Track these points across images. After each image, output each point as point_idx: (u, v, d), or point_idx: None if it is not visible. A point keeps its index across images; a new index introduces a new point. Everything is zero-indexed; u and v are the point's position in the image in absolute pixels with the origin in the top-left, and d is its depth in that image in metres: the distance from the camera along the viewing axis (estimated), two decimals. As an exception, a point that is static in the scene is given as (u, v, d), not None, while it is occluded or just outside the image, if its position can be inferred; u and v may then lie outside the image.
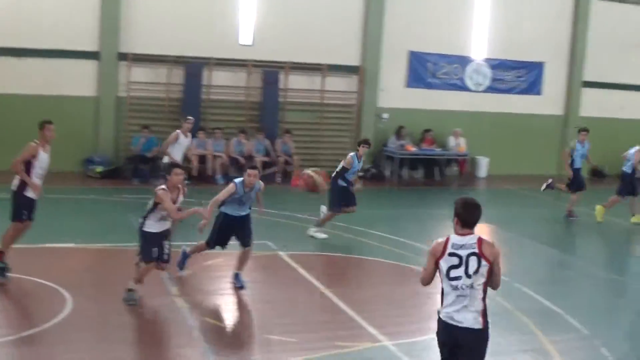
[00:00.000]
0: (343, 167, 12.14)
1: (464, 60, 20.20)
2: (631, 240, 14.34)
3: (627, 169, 14.99)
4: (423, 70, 19.84)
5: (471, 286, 5.41)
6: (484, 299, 5.43)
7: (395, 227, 13.41)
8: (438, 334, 5.58)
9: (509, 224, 14.31)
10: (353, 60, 19.02)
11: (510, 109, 20.91)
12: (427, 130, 19.61)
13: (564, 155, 15.68)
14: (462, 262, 5.41)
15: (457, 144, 19.70)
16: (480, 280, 5.41)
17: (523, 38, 20.66)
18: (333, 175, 12.26)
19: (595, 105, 21.73)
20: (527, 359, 7.74)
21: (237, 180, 9.26)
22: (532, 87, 21.23)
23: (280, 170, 17.67)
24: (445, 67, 20.05)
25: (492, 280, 5.48)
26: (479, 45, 20.33)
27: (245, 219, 9.39)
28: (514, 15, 20.50)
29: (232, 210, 9.29)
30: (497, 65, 20.63)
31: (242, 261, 9.43)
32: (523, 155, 21.17)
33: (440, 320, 5.51)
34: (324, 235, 12.20)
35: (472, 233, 5.47)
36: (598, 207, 15.09)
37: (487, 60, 20.49)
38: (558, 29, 21.20)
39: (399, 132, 19.19)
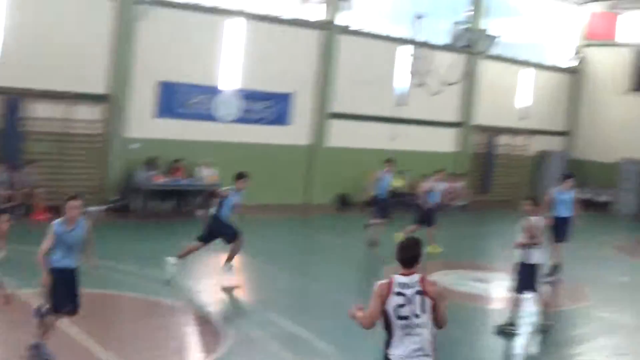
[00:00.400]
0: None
1: (213, 91, 21.18)
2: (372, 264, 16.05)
3: (432, 199, 16.59)
4: (173, 100, 20.54)
5: (420, 325, 5.85)
6: (432, 338, 5.88)
7: (140, 260, 13.86)
8: None
9: (260, 253, 15.40)
10: (100, 88, 19.29)
11: (259, 139, 22.16)
12: (176, 161, 20.31)
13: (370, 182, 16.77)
14: (409, 300, 5.86)
15: (208, 174, 20.55)
16: (427, 318, 5.86)
17: (273, 70, 22.12)
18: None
19: (340, 135, 23.74)
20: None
21: (56, 220, 8.42)
22: (281, 117, 22.66)
23: (21, 203, 17.44)
24: (196, 97, 20.91)
25: (437, 318, 5.91)
26: (230, 76, 21.48)
27: (76, 272, 8.50)
28: (265, 47, 21.89)
29: (60, 261, 8.33)
30: (247, 95, 21.82)
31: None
32: (273, 184, 22.41)
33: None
34: (172, 271, 12.51)
35: (414, 272, 5.94)
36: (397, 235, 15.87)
37: (238, 91, 21.65)
38: (307, 62, 22.97)
39: (150, 163, 19.67)
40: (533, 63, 29.06)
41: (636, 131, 28.49)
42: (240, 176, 13.03)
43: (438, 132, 26.29)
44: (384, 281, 5.91)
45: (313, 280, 14.15)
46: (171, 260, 12.63)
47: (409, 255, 5.96)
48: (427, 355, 5.86)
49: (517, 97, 28.82)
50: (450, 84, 24.84)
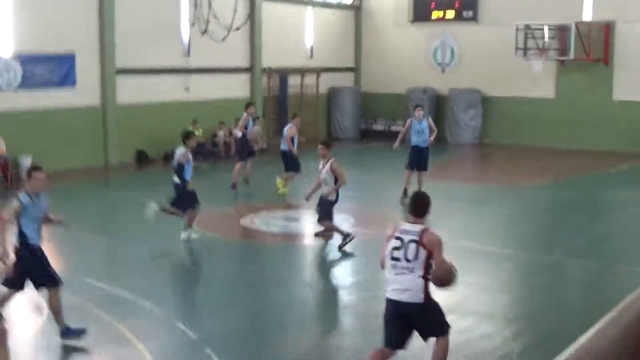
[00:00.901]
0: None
1: (-10, 56, 19.84)
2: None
3: (284, 147, 17.31)
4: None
5: (408, 268, 6.58)
6: (424, 278, 6.55)
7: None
8: (385, 310, 6.70)
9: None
10: None
11: (46, 104, 21.11)
12: (-44, 135, 18.90)
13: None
14: (403, 245, 6.64)
15: (-5, 146, 19.36)
16: (418, 265, 6.53)
17: (51, 30, 21.00)
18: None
19: (130, 91, 23.06)
20: (109, 349, 8.39)
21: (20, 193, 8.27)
22: (66, 79, 21.60)
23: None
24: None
25: (433, 269, 6.53)
26: (6, 42, 20.13)
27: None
28: (39, 6, 20.69)
29: (35, 239, 8.29)
30: (27, 60, 20.59)
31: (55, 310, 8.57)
32: (69, 149, 21.55)
33: (386, 297, 6.67)
34: (196, 235, 13.15)
35: (421, 223, 6.72)
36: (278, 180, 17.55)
37: (17, 56, 20.38)
38: (85, 17, 21.95)
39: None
40: (316, 2, 29.60)
41: (419, 61, 29.98)
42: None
43: (229, 79, 26.25)
44: (394, 226, 6.84)
45: (123, 241, 13.83)
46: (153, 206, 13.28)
47: (417, 207, 6.82)
48: (410, 295, 6.58)
49: (304, 37, 29.31)
50: (235, 29, 24.80)
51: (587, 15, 26.33)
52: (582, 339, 0.98)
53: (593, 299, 10.22)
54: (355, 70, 31.76)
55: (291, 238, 14.00)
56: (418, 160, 17.11)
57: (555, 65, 27.01)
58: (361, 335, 9.15)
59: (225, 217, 15.58)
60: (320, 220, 12.94)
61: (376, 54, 31.21)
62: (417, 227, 6.73)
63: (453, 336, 9.04)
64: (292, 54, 28.54)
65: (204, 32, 23.71)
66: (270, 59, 27.36)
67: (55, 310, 8.57)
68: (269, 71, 27.45)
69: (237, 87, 26.59)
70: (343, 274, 12.07)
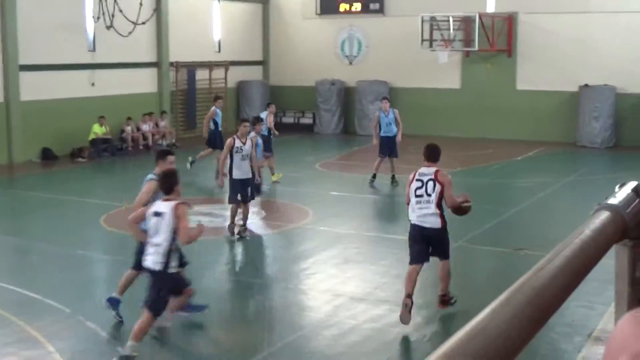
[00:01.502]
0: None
1: None
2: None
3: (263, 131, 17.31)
4: None
5: (429, 201, 8.90)
6: (439, 207, 8.89)
7: None
8: (409, 232, 9.11)
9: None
10: None
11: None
12: None
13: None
14: (424, 184, 8.93)
15: None
16: (435, 197, 8.86)
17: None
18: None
19: (35, 88, 22.44)
20: (15, 350, 8.20)
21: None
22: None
23: None
24: None
25: (445, 198, 8.88)
26: None
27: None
28: None
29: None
30: None
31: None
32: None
33: (411, 223, 9.04)
34: None
35: (434, 166, 9.07)
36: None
37: None
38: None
39: None
40: (222, -5, 29.48)
41: (327, 54, 30.18)
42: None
43: (136, 74, 25.84)
44: (413, 173, 9.09)
45: (30, 241, 13.47)
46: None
47: (432, 153, 9.18)
48: (431, 222, 8.93)
49: (211, 30, 29.11)
50: (141, 23, 24.42)
51: (491, 7, 27.01)
52: (475, 320, 1.03)
53: (500, 282, 10.53)
54: (263, 63, 31.73)
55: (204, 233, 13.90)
56: (388, 148, 17.92)
57: (460, 57, 27.62)
58: (277, 326, 9.19)
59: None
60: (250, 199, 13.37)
61: (284, 47, 31.26)
62: (432, 169, 9.04)
63: (366, 324, 9.18)
64: (199, 48, 28.30)
65: (109, 26, 23.24)
66: (177, 53, 27.07)
67: None
68: (176, 65, 27.15)
69: (144, 82, 26.22)
70: (255, 267, 12.09)
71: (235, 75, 29.97)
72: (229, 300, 10.52)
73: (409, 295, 8.80)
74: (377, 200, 17.29)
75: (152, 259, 7.73)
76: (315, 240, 13.22)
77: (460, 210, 9.11)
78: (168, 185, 7.88)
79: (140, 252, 8.30)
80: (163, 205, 7.77)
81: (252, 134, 14.10)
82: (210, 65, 28.58)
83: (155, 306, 7.74)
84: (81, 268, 11.78)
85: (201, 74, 28.26)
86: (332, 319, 9.32)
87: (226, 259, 12.59)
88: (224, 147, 13.33)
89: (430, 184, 8.93)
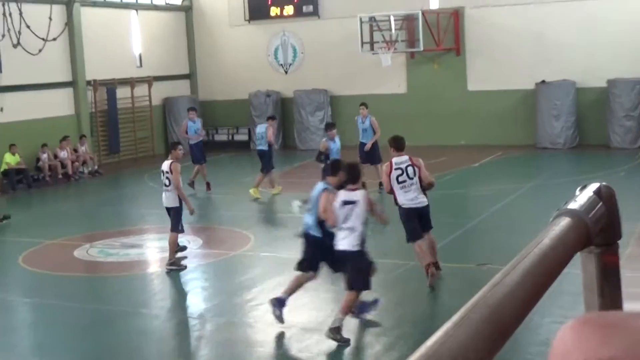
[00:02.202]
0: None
1: None
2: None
3: (263, 147, 19.15)
4: None
5: (412, 184, 11.20)
6: (421, 189, 11.28)
7: None
8: (404, 215, 11.27)
9: None
10: None
11: None
12: None
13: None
14: (403, 171, 11.18)
15: None
16: (416, 179, 11.20)
17: None
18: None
19: None
20: None
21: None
22: None
23: None
24: None
25: (422, 177, 11.26)
26: None
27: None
28: None
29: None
30: None
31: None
32: None
33: (404, 207, 11.22)
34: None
35: (404, 154, 11.39)
36: (252, 190, 18.85)
37: None
38: None
39: None
40: (141, 4, 29.31)
41: (260, 63, 30.25)
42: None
43: (49, 95, 25.53)
44: (387, 163, 11.41)
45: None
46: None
47: (398, 144, 11.55)
48: (420, 201, 11.29)
49: (131, 44, 28.93)
50: (52, 39, 24.14)
51: (435, 3, 27.34)
52: (425, 345, 1.06)
53: (463, 303, 10.62)
54: (190, 77, 31.66)
55: (132, 267, 13.78)
56: (366, 155, 18.95)
57: (405, 58, 27.94)
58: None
59: (56, 249, 15.17)
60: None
61: (212, 58, 31.24)
62: (405, 157, 11.35)
63: (320, 357, 9.18)
64: (119, 63, 28.10)
65: (17, 44, 22.94)
66: (94, 70, 26.83)
67: None
68: (94, 84, 26.91)
69: (59, 104, 25.90)
70: (195, 302, 12.01)
71: (161, 91, 29.83)
72: (168, 340, 10.42)
73: (434, 263, 11.31)
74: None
75: (349, 242, 9.45)
76: (259, 268, 13.19)
77: (431, 185, 11.51)
78: (355, 175, 9.72)
79: (312, 254, 10.07)
80: (353, 195, 9.54)
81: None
82: (131, 82, 28.40)
83: (359, 284, 9.49)
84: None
85: (122, 92, 28.05)
86: (283, 353, 9.28)
87: (162, 295, 12.48)
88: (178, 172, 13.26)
89: (410, 169, 11.23)
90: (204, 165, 20.48)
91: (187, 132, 20.74)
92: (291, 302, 11.12)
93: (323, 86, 29.09)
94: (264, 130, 19.50)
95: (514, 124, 26.71)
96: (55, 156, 24.31)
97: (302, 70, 29.80)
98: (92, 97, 27.05)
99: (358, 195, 9.50)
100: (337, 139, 17.78)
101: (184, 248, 14.01)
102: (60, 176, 23.96)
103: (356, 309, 9.88)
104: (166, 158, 13.62)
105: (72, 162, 24.54)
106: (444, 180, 20.92)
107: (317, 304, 11.16)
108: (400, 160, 11.33)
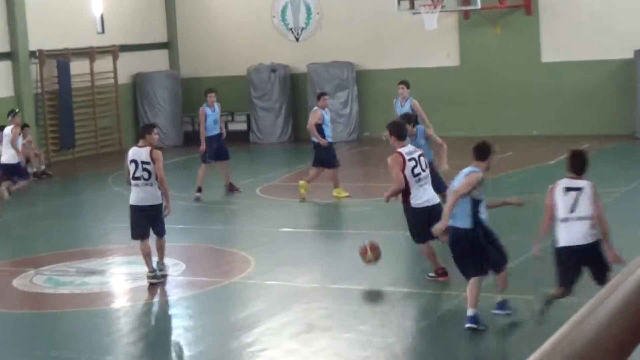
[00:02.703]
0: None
1: None
2: None
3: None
4: None
5: (427, 176, 12.67)
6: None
7: None
8: (416, 217, 12.72)
9: None
10: None
11: None
12: None
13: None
14: (417, 162, 12.53)
15: None
16: (428, 171, 12.81)
17: None
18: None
19: None
20: None
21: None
22: None
23: None
24: None
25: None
26: None
27: None
28: None
29: None
30: None
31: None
32: None
33: (417, 209, 12.62)
34: None
35: (406, 143, 12.96)
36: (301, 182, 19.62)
37: None
38: None
39: None
40: (102, -51, 29.36)
41: (263, 28, 30.31)
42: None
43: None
44: (394, 156, 12.60)
45: None
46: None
47: (405, 131, 13.36)
48: (435, 197, 12.88)
49: (89, 3, 28.92)
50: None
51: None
52: (564, 328, 1.06)
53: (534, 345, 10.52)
54: (169, 46, 31.66)
55: (93, 301, 13.73)
56: None
57: (456, 19, 27.82)
58: None
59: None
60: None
61: (199, 22, 31.24)
62: (411, 146, 13.07)
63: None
64: (73, 29, 28.13)
65: None
66: (41, 38, 26.83)
67: None
68: (39, 56, 26.91)
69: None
70: (176, 347, 11.96)
71: (129, 65, 29.84)
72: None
73: (441, 269, 12.92)
74: (348, 235, 17.21)
75: (583, 233, 10.75)
76: (262, 301, 13.09)
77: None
78: (581, 164, 11.20)
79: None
80: (579, 182, 10.98)
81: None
82: (90, 53, 28.41)
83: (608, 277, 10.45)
84: None
85: (78, 67, 28.07)
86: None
87: (131, 338, 12.41)
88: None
89: (422, 159, 12.75)
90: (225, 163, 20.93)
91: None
92: (303, 347, 11.03)
93: (346, 58, 29.03)
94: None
95: (604, 107, 26.49)
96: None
97: (318, 36, 29.73)
98: (38, 73, 27.07)
99: (583, 183, 10.98)
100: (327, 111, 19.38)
101: (160, 276, 13.96)
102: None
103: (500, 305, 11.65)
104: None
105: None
106: (508, 183, 20.79)
107: (337, 349, 11.09)
108: (409, 149, 12.77)
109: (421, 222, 12.57)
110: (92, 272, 15.12)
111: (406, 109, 19.25)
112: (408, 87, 19.94)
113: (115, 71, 29.28)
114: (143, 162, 13.40)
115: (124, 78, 29.80)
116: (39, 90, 27.15)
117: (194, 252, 16.13)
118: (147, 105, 30.00)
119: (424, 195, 12.66)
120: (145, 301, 13.45)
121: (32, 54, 26.82)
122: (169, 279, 14.11)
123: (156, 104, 29.91)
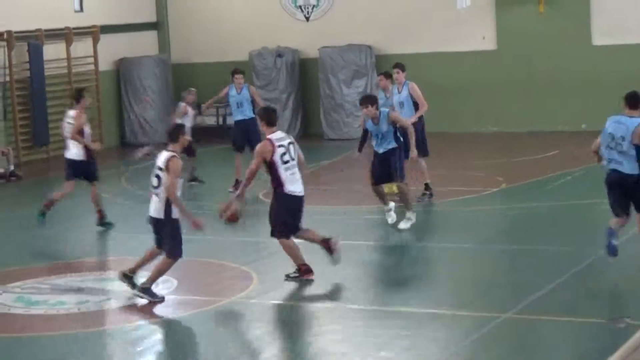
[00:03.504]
0: None
1: None
2: None
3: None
4: None
5: (295, 165, 14.34)
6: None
7: None
8: (286, 204, 14.35)
9: None
10: None
11: None
12: None
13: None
14: (287, 149, 14.23)
15: None
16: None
17: None
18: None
19: None
20: None
21: None
22: None
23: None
24: None
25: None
26: None
27: None
28: None
29: None
30: None
31: None
32: None
33: (290, 196, 14.29)
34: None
35: (277, 130, 14.50)
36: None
37: None
38: None
39: None
40: None
41: (268, 5, 30.54)
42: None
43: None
44: (263, 142, 14.27)
45: None
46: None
47: (275, 117, 14.83)
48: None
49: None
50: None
51: None
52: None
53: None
54: (158, 27, 31.72)
55: (70, 323, 13.75)
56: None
57: (493, -4, 27.87)
58: None
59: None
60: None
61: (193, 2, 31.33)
62: (283, 134, 14.63)
63: None
64: (47, 6, 28.18)
65: None
66: (9, 17, 26.90)
67: None
68: (8, 38, 26.97)
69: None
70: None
71: (113, 49, 29.95)
72: None
73: (304, 265, 14.64)
74: (364, 247, 17.22)
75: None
76: (266, 323, 13.11)
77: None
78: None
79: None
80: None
81: None
82: (67, 35, 28.49)
83: None
84: None
85: (53, 51, 28.21)
86: None
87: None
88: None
89: (292, 147, 14.44)
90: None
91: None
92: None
93: (365, 40, 29.07)
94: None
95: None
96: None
97: (331, 15, 29.81)
98: (5, 59, 27.15)
99: None
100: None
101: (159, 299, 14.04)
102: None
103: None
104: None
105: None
106: (554, 186, 20.74)
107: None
108: (279, 136, 14.49)
109: (291, 211, 14.35)
110: (69, 290, 15.13)
111: (404, 95, 19.73)
112: (404, 71, 20.32)
113: (95, 56, 29.36)
114: (158, 167, 13.80)
115: (105, 64, 29.91)
116: (7, 78, 27.21)
117: (187, 267, 16.09)
118: (133, 95, 30.06)
119: (296, 184, 14.29)
120: (131, 323, 13.39)
121: (-1, 35, 26.93)
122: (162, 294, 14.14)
123: (143, 94, 29.93)
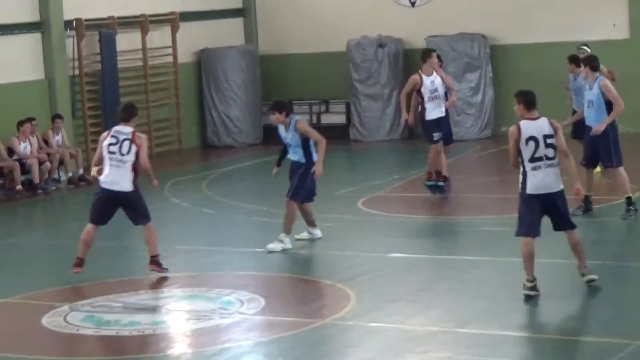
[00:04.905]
0: None
1: None
2: None
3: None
4: None
5: (121, 160, 16.31)
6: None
7: None
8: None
9: None
10: None
11: None
12: None
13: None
14: (118, 140, 16.37)
15: None
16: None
17: None
18: None
19: None
20: None
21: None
22: None
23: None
24: None
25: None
26: None
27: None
28: None
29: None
30: None
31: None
32: None
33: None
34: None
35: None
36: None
37: None
38: None
39: None
40: None
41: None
42: None
43: (3, 47, 25.94)
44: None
45: None
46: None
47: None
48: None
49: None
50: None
51: None
52: None
53: None
54: (244, 14, 31.84)
55: (145, 346, 13.82)
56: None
57: (626, -21, 27.67)
58: None
59: (11, 314, 15.35)
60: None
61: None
62: (126, 128, 16.13)
63: None
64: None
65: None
66: (78, 3, 27.13)
67: None
68: (77, 27, 27.20)
69: (16, 62, 26.23)
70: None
71: (194, 39, 30.13)
72: None
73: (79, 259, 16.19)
74: (477, 263, 17.11)
75: None
76: (365, 348, 13.05)
77: None
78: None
79: None
80: None
81: None
82: (142, 23, 28.70)
83: None
84: None
85: (127, 40, 28.42)
86: None
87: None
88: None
89: (125, 142, 16.08)
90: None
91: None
92: None
93: (478, 29, 29.01)
94: None
95: None
96: (11, 151, 24.58)
97: (440, 0, 29.69)
98: (75, 50, 27.38)
99: None
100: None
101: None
102: (18, 186, 24.18)
103: None
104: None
105: (40, 163, 24.78)
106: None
107: None
108: (120, 128, 16.70)
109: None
110: (144, 309, 15.23)
111: (595, 93, 19.23)
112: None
113: (174, 47, 29.59)
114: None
115: (185, 55, 30.11)
116: (76, 72, 27.45)
117: (276, 284, 16.16)
118: (216, 90, 30.21)
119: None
120: (212, 347, 13.42)
121: (68, 24, 27.16)
122: (245, 317, 14.14)
123: (227, 89, 30.08)
